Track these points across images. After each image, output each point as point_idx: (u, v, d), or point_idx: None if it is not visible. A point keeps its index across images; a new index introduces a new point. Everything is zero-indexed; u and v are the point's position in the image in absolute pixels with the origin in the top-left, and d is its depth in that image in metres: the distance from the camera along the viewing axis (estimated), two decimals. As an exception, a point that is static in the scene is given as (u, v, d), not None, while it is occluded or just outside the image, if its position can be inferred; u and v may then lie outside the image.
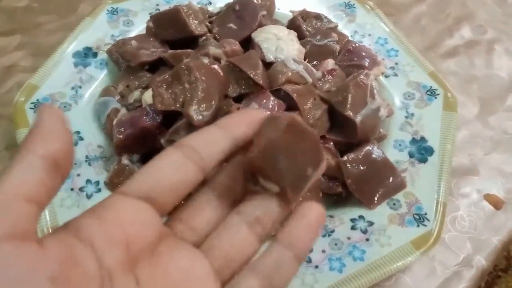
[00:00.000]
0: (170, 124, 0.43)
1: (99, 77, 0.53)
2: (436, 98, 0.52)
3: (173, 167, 0.22)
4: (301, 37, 0.54)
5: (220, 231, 0.23)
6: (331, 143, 0.45)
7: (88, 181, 0.44)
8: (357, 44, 0.54)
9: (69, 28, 0.57)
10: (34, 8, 0.67)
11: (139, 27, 0.58)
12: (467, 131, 0.55)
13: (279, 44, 0.49)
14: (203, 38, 0.52)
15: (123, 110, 0.47)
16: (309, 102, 0.45)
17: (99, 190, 0.44)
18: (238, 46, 0.49)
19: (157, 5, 0.60)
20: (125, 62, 0.51)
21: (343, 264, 0.40)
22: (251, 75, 0.44)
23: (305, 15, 0.57)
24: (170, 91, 0.42)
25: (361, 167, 0.44)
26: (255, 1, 0.56)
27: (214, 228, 0.24)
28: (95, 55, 0.54)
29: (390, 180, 0.44)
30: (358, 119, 0.44)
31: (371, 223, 0.43)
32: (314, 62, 0.52)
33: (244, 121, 0.24)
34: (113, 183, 0.44)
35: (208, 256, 0.23)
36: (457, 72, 0.62)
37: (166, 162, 0.22)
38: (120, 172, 0.44)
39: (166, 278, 0.21)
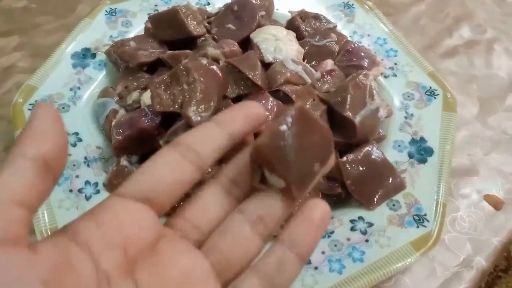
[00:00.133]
0: (169, 125, 0.43)
1: (97, 78, 0.53)
2: (435, 98, 0.52)
3: (169, 167, 0.22)
4: (300, 37, 0.54)
5: (222, 231, 0.23)
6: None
7: (87, 182, 0.44)
8: (356, 45, 0.54)
9: (68, 29, 0.57)
10: (32, 8, 0.67)
11: (137, 28, 0.58)
12: (466, 131, 0.55)
13: (278, 45, 0.49)
14: (202, 38, 0.52)
15: (122, 111, 0.47)
16: (308, 103, 0.45)
17: (98, 192, 0.44)
18: (237, 47, 0.49)
19: (156, 5, 0.60)
20: (123, 63, 0.51)
21: (343, 266, 0.40)
22: (250, 76, 0.44)
23: (304, 15, 0.57)
24: (168, 92, 0.42)
25: (361, 168, 0.44)
26: (254, 2, 0.55)
27: (218, 226, 0.23)
28: (93, 56, 0.54)
29: (390, 181, 0.44)
30: (357, 119, 0.44)
31: (370, 224, 0.43)
32: (313, 63, 0.52)
33: (240, 116, 0.24)
34: (112, 185, 0.44)
35: (209, 256, 0.22)
36: (456, 72, 0.62)
37: (163, 162, 0.22)
38: (119, 173, 0.44)
39: (166, 279, 0.21)
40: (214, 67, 0.43)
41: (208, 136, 0.23)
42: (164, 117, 0.44)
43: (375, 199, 0.44)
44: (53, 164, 0.19)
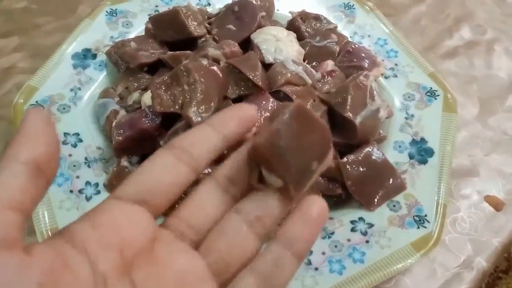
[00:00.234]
0: (169, 125, 0.43)
1: (98, 78, 0.53)
2: (436, 99, 0.52)
3: (164, 169, 0.22)
4: (300, 38, 0.54)
5: (219, 231, 0.23)
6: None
7: (87, 183, 0.44)
8: (356, 45, 0.54)
9: (68, 29, 0.57)
10: (32, 9, 0.67)
11: (138, 29, 0.57)
12: (467, 132, 0.55)
13: (278, 45, 0.49)
14: (202, 39, 0.52)
15: (122, 112, 0.47)
16: (308, 104, 0.45)
17: (98, 192, 0.44)
18: (237, 48, 0.49)
19: (156, 6, 0.60)
20: (124, 64, 0.51)
21: (343, 266, 0.40)
22: (250, 77, 0.44)
23: (304, 16, 0.57)
24: (169, 92, 0.42)
25: (361, 169, 0.44)
26: (254, 2, 0.55)
27: (215, 225, 0.23)
28: (94, 56, 0.54)
29: (390, 182, 0.44)
30: (357, 120, 0.44)
31: (371, 225, 0.43)
32: (314, 63, 0.52)
33: (234, 118, 0.24)
34: (113, 185, 0.44)
35: (207, 257, 0.22)
36: (456, 73, 0.62)
37: (158, 164, 0.23)
38: (120, 174, 0.44)
39: (162, 280, 0.21)
40: (215, 67, 0.44)
41: (202, 138, 0.24)
42: (165, 117, 0.44)
43: (376, 200, 0.44)
44: (45, 168, 0.19)
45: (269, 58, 0.48)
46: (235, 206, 0.23)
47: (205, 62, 0.44)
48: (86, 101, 0.50)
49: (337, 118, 0.46)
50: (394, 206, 0.44)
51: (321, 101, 0.46)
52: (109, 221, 0.20)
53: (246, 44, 0.51)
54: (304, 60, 0.51)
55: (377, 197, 0.44)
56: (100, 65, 0.54)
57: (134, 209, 0.21)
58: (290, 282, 0.22)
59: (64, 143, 0.46)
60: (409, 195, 0.44)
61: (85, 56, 0.54)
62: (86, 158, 0.46)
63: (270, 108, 0.44)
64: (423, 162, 0.47)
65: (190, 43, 0.52)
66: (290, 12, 0.59)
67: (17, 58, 0.60)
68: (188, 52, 0.49)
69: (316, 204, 0.23)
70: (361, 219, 0.43)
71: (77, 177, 0.44)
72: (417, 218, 0.43)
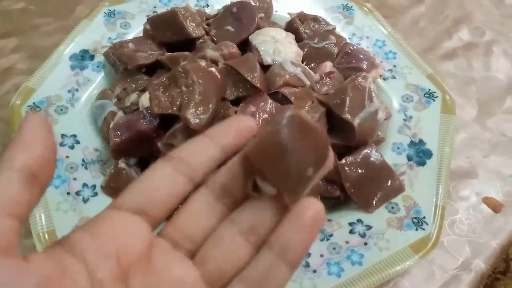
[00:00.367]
0: (167, 127, 0.43)
1: (96, 80, 0.53)
2: (434, 100, 0.52)
3: (162, 181, 0.23)
4: (299, 39, 0.54)
5: (213, 242, 0.23)
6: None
7: (84, 185, 0.44)
8: (355, 47, 0.54)
9: (66, 30, 0.57)
10: (31, 10, 0.67)
11: (136, 30, 0.57)
12: (465, 134, 0.55)
13: (277, 47, 0.49)
14: (201, 40, 0.52)
15: (120, 113, 0.47)
16: (307, 105, 0.45)
17: (95, 194, 0.44)
18: (236, 49, 0.49)
19: (155, 7, 0.60)
20: (122, 65, 0.51)
21: (342, 269, 0.40)
22: (249, 78, 0.44)
23: (302, 17, 0.57)
24: (167, 94, 0.42)
25: (359, 170, 0.44)
26: (253, 4, 0.55)
27: (210, 234, 0.23)
28: (92, 57, 0.54)
29: (389, 184, 0.44)
30: (356, 122, 0.44)
31: (369, 227, 0.42)
32: (312, 65, 0.52)
33: (233, 129, 0.24)
34: (110, 187, 0.44)
35: (201, 267, 0.22)
36: (455, 74, 0.62)
37: (156, 175, 0.23)
38: (117, 176, 0.44)
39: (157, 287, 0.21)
40: (213, 69, 0.43)
41: (200, 150, 0.24)
42: (163, 119, 0.44)
43: (374, 202, 0.44)
44: (40, 174, 0.19)
45: (268, 60, 0.48)
46: (230, 216, 0.23)
47: (203, 63, 0.44)
48: (84, 102, 0.50)
49: (335, 119, 0.46)
50: (392, 208, 0.44)
51: (319, 103, 0.46)
52: (107, 231, 0.21)
53: (245, 46, 0.51)
54: (302, 62, 0.51)
55: (376, 199, 0.44)
56: (98, 66, 0.54)
57: (132, 219, 0.22)
58: (286, 286, 0.22)
59: (61, 144, 0.46)
60: (408, 197, 0.44)
61: (83, 57, 0.54)
62: (83, 160, 0.46)
63: (268, 109, 0.43)
64: (422, 163, 0.47)
65: (188, 44, 0.52)
66: (288, 14, 0.59)
67: (15, 59, 0.60)
68: (186, 53, 0.49)
69: (312, 208, 0.22)
70: (359, 221, 0.43)
71: (74, 179, 0.44)
72: (415, 220, 0.43)
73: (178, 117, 0.41)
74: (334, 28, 0.58)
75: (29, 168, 0.19)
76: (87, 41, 0.55)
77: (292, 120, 0.22)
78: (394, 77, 0.54)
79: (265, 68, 0.47)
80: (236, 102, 0.45)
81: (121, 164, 0.44)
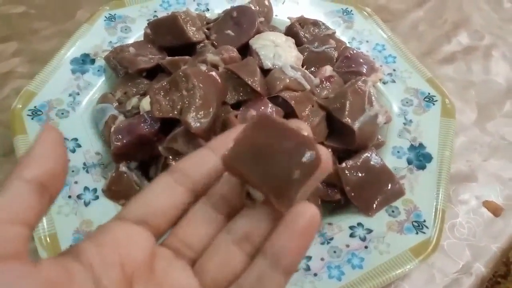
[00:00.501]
0: (168, 131, 0.43)
1: (97, 83, 0.53)
2: (434, 104, 0.52)
3: (164, 193, 0.24)
4: (299, 43, 0.54)
5: (209, 252, 0.23)
6: (330, 150, 0.45)
7: (85, 188, 0.44)
8: (354, 51, 0.54)
9: (67, 34, 0.57)
10: (31, 14, 0.67)
11: (136, 34, 0.58)
12: (465, 137, 0.55)
13: (277, 51, 0.49)
14: (201, 44, 0.52)
15: (121, 117, 0.47)
16: (307, 109, 0.45)
17: (97, 198, 0.44)
18: (236, 53, 0.49)
19: (155, 11, 0.60)
20: (123, 69, 0.51)
21: (342, 272, 0.40)
22: (249, 82, 0.44)
23: (302, 21, 0.58)
24: (168, 98, 0.42)
25: (360, 174, 0.44)
26: (253, 8, 0.56)
27: (210, 244, 0.24)
28: (92, 61, 0.54)
29: (389, 187, 0.44)
30: (356, 126, 0.44)
31: (369, 231, 0.42)
32: (312, 69, 0.52)
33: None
34: (111, 191, 0.44)
35: (199, 276, 0.23)
36: (454, 78, 0.62)
37: (158, 187, 0.24)
38: (118, 180, 0.44)
39: None
40: (213, 73, 0.44)
41: (202, 162, 0.25)
42: (164, 123, 0.44)
43: (374, 205, 0.44)
44: (49, 185, 0.20)
45: (268, 64, 0.48)
46: (227, 225, 0.24)
47: (203, 67, 0.44)
48: (85, 106, 0.50)
49: (335, 123, 0.46)
50: (392, 211, 0.44)
51: (319, 107, 0.46)
52: (111, 241, 0.22)
53: (245, 50, 0.51)
54: (302, 66, 0.51)
55: (376, 203, 0.44)
56: (98, 70, 0.54)
57: (135, 229, 0.23)
58: None
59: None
60: (408, 200, 0.44)
61: (84, 61, 0.54)
62: (84, 164, 0.46)
63: (269, 113, 0.44)
64: (422, 167, 0.47)
65: (188, 48, 0.52)
66: (288, 18, 0.59)
67: (15, 63, 0.60)
68: (187, 57, 0.50)
69: (306, 213, 0.21)
70: (359, 224, 0.43)
71: (76, 182, 0.44)
72: (415, 224, 0.43)
73: (179, 121, 0.42)
74: (334, 33, 0.58)
75: (39, 179, 0.20)
76: (88, 45, 0.55)
77: (266, 124, 0.22)
78: (393, 81, 0.55)
79: (265, 72, 0.48)
80: (236, 106, 0.45)
81: (122, 167, 0.44)
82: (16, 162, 0.44)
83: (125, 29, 0.58)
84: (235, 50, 0.49)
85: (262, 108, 0.44)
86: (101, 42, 0.56)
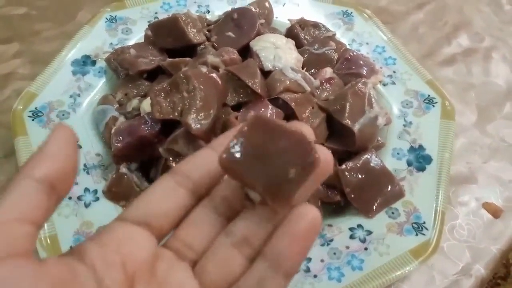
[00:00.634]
0: (168, 132, 0.43)
1: (97, 85, 0.53)
2: (434, 106, 0.52)
3: (165, 195, 0.24)
4: (299, 45, 0.54)
5: (209, 255, 0.23)
6: (329, 151, 0.45)
7: (86, 189, 0.44)
8: (355, 53, 0.55)
9: (68, 36, 0.57)
10: (32, 15, 0.67)
11: (137, 35, 0.58)
12: (465, 139, 0.55)
13: (277, 53, 0.49)
14: (202, 46, 0.52)
15: (122, 119, 0.47)
16: (307, 111, 0.45)
17: (97, 199, 0.44)
18: (237, 55, 0.49)
19: (156, 13, 0.60)
20: (123, 71, 0.52)
21: (342, 274, 0.40)
22: (250, 84, 0.44)
23: (303, 23, 0.58)
24: (168, 99, 0.42)
25: (360, 176, 0.44)
26: (253, 10, 0.56)
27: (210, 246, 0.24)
28: (93, 63, 0.54)
29: (389, 189, 0.44)
30: (356, 127, 0.44)
31: (369, 232, 0.43)
32: (312, 71, 0.53)
33: None
34: (111, 192, 0.44)
35: (199, 278, 0.23)
36: (454, 80, 0.62)
37: (160, 189, 0.24)
38: (118, 181, 0.44)
39: None
40: (214, 75, 0.44)
41: (203, 163, 0.25)
42: (164, 124, 0.44)
43: (374, 207, 0.44)
44: (58, 185, 0.20)
45: (268, 66, 0.48)
46: (226, 228, 0.24)
47: (204, 69, 0.44)
48: (85, 107, 0.51)
49: (335, 125, 0.46)
50: (392, 213, 0.44)
51: (319, 108, 0.47)
52: (114, 241, 0.22)
53: (245, 52, 0.52)
54: (302, 68, 0.51)
55: (376, 204, 0.44)
56: (99, 72, 0.54)
57: (137, 230, 0.23)
58: None
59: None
60: (408, 202, 0.44)
61: (85, 62, 0.54)
62: (85, 165, 0.46)
63: (269, 115, 0.44)
64: (421, 169, 0.47)
65: (189, 50, 0.52)
66: (289, 20, 0.60)
67: (16, 64, 0.60)
68: (188, 59, 0.50)
69: (307, 216, 0.21)
70: (359, 226, 0.43)
71: (76, 183, 0.44)
72: (415, 225, 0.43)
73: (180, 123, 0.42)
74: (334, 34, 0.58)
75: (48, 179, 0.20)
76: (88, 46, 0.56)
77: (260, 124, 0.22)
78: (393, 83, 0.55)
79: (265, 74, 0.48)
80: (237, 107, 0.45)
81: (123, 169, 0.44)
82: (17, 163, 0.45)
83: (126, 31, 0.58)
84: (236, 52, 0.49)
85: (263, 109, 0.44)
86: (102, 44, 0.56)
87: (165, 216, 0.24)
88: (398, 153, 0.49)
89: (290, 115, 0.45)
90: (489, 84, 0.62)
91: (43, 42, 0.63)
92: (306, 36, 0.56)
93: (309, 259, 0.41)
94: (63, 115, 0.49)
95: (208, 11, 0.61)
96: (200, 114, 0.41)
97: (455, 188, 0.50)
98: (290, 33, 0.57)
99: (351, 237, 0.42)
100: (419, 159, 0.48)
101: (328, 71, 0.51)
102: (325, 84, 0.50)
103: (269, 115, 0.44)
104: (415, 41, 0.67)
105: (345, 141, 0.46)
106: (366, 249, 0.41)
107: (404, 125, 0.51)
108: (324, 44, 0.54)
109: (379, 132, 0.47)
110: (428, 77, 0.55)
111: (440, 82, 0.57)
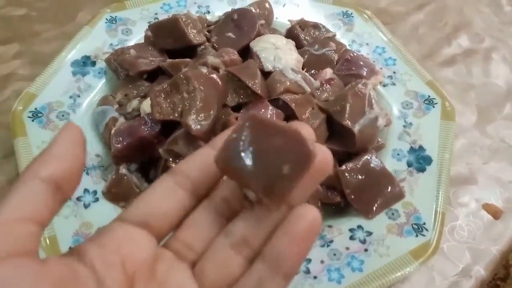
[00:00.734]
0: (168, 133, 0.43)
1: (97, 86, 0.53)
2: (434, 107, 0.52)
3: (164, 195, 0.24)
4: (299, 46, 0.54)
5: (207, 255, 0.23)
6: (329, 150, 0.45)
7: (85, 190, 0.44)
8: (355, 54, 0.55)
9: (68, 36, 0.57)
10: (32, 16, 0.67)
11: (137, 36, 0.58)
12: (465, 140, 0.55)
13: (278, 54, 0.49)
14: (202, 47, 0.52)
15: (122, 119, 0.47)
16: (307, 112, 0.45)
17: (96, 200, 0.44)
18: (237, 56, 0.49)
19: (156, 14, 0.60)
20: (123, 71, 0.51)
21: (342, 275, 0.40)
22: (250, 85, 0.44)
23: (303, 24, 0.58)
24: (168, 100, 0.42)
25: (360, 177, 0.44)
26: (253, 11, 0.56)
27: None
28: (93, 64, 0.54)
29: (389, 190, 0.44)
30: (356, 128, 0.44)
31: (369, 233, 0.43)
32: (312, 72, 0.53)
33: None
34: (111, 193, 0.44)
35: (198, 279, 0.23)
36: (454, 81, 0.62)
37: (159, 190, 0.24)
38: (118, 182, 0.44)
39: None
40: (214, 75, 0.44)
41: (203, 162, 0.24)
42: (164, 125, 0.44)
43: (374, 208, 0.44)
44: (64, 185, 0.20)
45: (268, 66, 0.48)
46: (225, 228, 0.24)
47: (204, 70, 0.44)
48: (85, 108, 0.51)
49: (335, 126, 0.46)
50: (392, 214, 0.44)
51: (319, 109, 0.47)
52: (113, 242, 0.22)
53: (246, 52, 0.52)
54: (303, 68, 0.51)
55: (376, 205, 0.44)
56: (99, 73, 0.54)
57: (136, 231, 0.23)
58: None
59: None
60: (408, 203, 0.44)
61: (85, 63, 0.54)
62: (84, 166, 0.46)
63: (269, 116, 0.44)
64: (422, 170, 0.47)
65: (189, 51, 0.52)
66: (289, 20, 0.60)
67: (16, 65, 0.60)
68: (188, 60, 0.50)
69: (306, 216, 0.21)
70: (359, 227, 0.43)
71: (76, 184, 0.44)
72: (415, 226, 0.43)
73: (180, 123, 0.42)
74: (334, 35, 0.58)
75: (54, 178, 0.20)
76: (88, 47, 0.55)
77: (255, 123, 0.22)
78: (394, 84, 0.55)
79: (265, 74, 0.48)
80: (237, 108, 0.45)
81: (122, 170, 0.44)
82: (16, 164, 0.45)
83: (126, 32, 0.58)
84: (236, 52, 0.49)
85: (263, 110, 0.44)
86: (102, 44, 0.56)
87: (165, 217, 0.24)
88: (398, 154, 0.49)
89: (290, 116, 0.45)
90: (489, 85, 0.62)
91: (43, 43, 0.63)
92: (306, 37, 0.56)
93: (309, 260, 0.41)
94: (62, 115, 0.49)
95: (208, 12, 0.61)
96: (200, 115, 0.41)
97: (455, 189, 0.50)
98: (290, 34, 0.57)
99: (351, 238, 0.42)
100: (419, 160, 0.48)
101: (328, 72, 0.51)
102: (325, 85, 0.50)
103: (269, 116, 0.44)
104: (415, 42, 0.67)
105: (345, 142, 0.45)
106: (366, 250, 0.41)
107: (404, 126, 0.51)
108: (324, 45, 0.54)
109: (379, 133, 0.47)
110: (428, 77, 0.55)
111: (440, 83, 0.57)
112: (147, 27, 0.55)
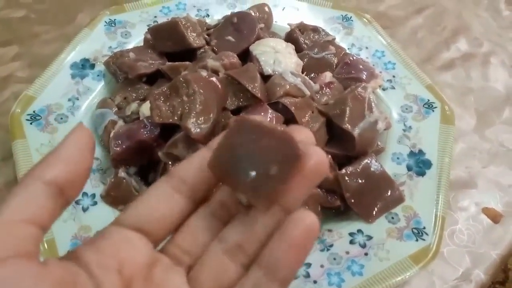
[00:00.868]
0: (168, 136, 0.43)
1: (96, 88, 0.53)
2: (433, 111, 0.52)
3: (160, 200, 0.24)
4: (298, 50, 0.54)
5: (202, 262, 0.23)
6: (329, 156, 0.45)
7: (84, 193, 0.44)
8: (354, 57, 0.55)
9: (67, 39, 0.57)
10: (31, 18, 0.67)
11: (136, 39, 0.58)
12: (464, 144, 0.55)
13: (277, 57, 0.49)
14: (201, 50, 0.52)
15: (120, 122, 0.47)
16: (307, 115, 0.45)
17: (95, 203, 0.44)
18: (236, 59, 0.49)
19: (155, 17, 0.60)
20: (122, 74, 0.51)
21: (342, 279, 0.39)
22: (249, 88, 0.44)
23: (302, 28, 0.58)
24: (168, 103, 0.42)
25: (359, 181, 0.44)
26: (253, 14, 0.56)
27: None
28: (92, 66, 0.54)
29: (389, 194, 0.44)
30: (356, 132, 0.44)
31: (369, 237, 0.42)
32: (312, 75, 0.53)
33: None
34: (110, 196, 0.44)
35: (193, 285, 0.23)
36: (453, 85, 0.62)
37: (155, 194, 0.24)
38: (117, 185, 0.44)
39: None
40: (214, 79, 0.44)
41: (200, 166, 0.24)
42: (163, 128, 0.44)
43: (374, 212, 0.44)
44: (67, 189, 0.20)
45: (268, 70, 0.48)
46: (220, 234, 0.24)
47: (204, 73, 0.44)
48: (84, 111, 0.50)
49: (335, 129, 0.46)
50: (392, 218, 0.44)
51: (319, 113, 0.46)
52: (110, 246, 0.22)
53: (245, 56, 0.51)
54: (302, 72, 0.51)
55: (376, 209, 0.44)
56: (98, 75, 0.54)
57: (132, 235, 0.23)
58: None
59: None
60: (408, 207, 0.44)
61: (84, 66, 0.54)
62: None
63: (268, 119, 0.44)
64: (421, 174, 0.47)
65: (189, 54, 0.52)
66: (288, 24, 0.60)
67: (15, 67, 0.60)
68: (187, 63, 0.50)
69: (304, 221, 0.21)
70: (359, 231, 0.43)
71: (74, 187, 0.44)
72: (415, 231, 0.43)
73: (179, 127, 0.41)
74: (334, 39, 0.58)
75: (57, 182, 0.20)
76: (87, 50, 0.55)
77: (243, 126, 0.22)
78: (393, 88, 0.55)
79: (265, 78, 0.48)
80: (236, 111, 0.45)
81: (121, 173, 0.44)
82: (14, 166, 0.44)
83: (125, 34, 0.58)
84: (236, 56, 0.49)
85: (262, 114, 0.44)
86: (101, 47, 0.56)
87: (160, 221, 0.23)
88: (398, 158, 0.49)
89: (290, 119, 0.45)
90: (488, 89, 0.62)
91: (42, 45, 0.63)
92: (305, 41, 0.56)
93: (309, 265, 0.40)
94: (61, 118, 0.49)
95: (208, 15, 0.61)
96: (200, 118, 0.41)
97: (455, 193, 0.50)
98: (290, 38, 0.57)
99: (351, 242, 0.42)
100: (419, 164, 0.48)
101: (327, 76, 0.51)
102: (324, 88, 0.50)
103: (268, 119, 0.44)
104: (414, 46, 0.67)
105: (345, 145, 0.45)
106: (366, 254, 0.41)
107: (404, 130, 0.51)
108: (324, 48, 0.54)
109: (379, 136, 0.47)
110: (427, 81, 0.55)
111: (440, 87, 0.57)
112: (147, 30, 0.55)
